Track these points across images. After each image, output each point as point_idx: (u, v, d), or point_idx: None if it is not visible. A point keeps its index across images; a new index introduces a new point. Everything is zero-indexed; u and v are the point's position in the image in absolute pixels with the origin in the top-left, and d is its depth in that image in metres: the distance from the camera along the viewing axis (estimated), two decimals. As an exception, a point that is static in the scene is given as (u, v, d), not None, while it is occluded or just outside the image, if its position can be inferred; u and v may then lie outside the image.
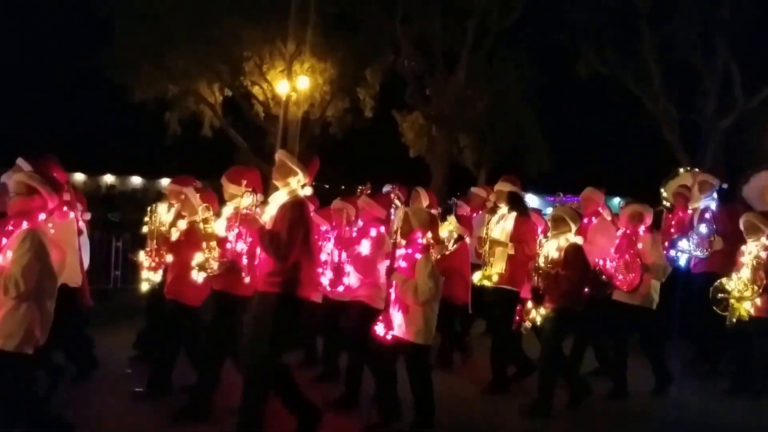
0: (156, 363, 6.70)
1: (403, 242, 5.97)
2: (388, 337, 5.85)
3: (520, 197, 7.73)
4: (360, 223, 6.91)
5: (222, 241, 5.77)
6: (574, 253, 6.59)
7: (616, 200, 13.16)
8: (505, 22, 20.23)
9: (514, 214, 7.47)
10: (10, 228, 4.69)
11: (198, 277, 5.91)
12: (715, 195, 8.51)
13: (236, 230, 5.48)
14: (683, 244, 7.96)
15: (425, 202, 7.99)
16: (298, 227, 5.22)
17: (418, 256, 5.83)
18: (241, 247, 5.46)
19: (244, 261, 5.48)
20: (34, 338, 4.63)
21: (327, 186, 21.48)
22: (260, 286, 5.38)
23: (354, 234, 6.88)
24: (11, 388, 4.66)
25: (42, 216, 4.84)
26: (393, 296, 5.93)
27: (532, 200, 13.34)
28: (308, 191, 5.53)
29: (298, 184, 5.42)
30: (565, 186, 10.16)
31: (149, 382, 6.61)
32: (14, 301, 4.54)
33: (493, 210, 8.35)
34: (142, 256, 6.96)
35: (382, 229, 6.80)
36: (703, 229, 8.18)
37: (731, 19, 16.61)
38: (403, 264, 5.91)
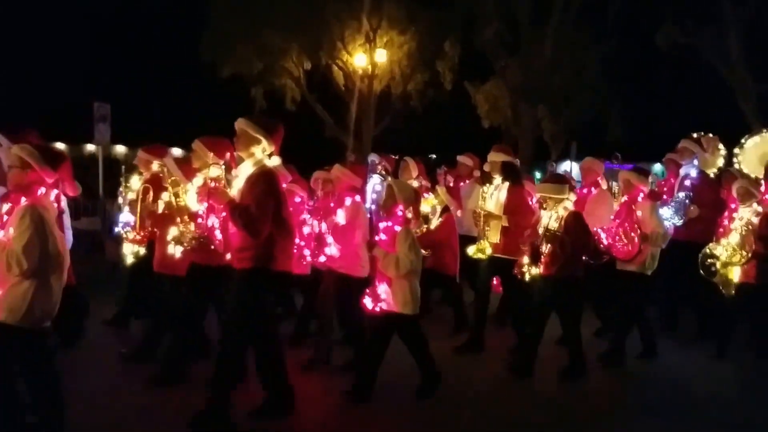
0: (148, 332, 6.82)
1: (384, 215, 6.01)
2: (377, 309, 5.92)
3: (513, 167, 7.71)
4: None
5: (194, 215, 5.70)
6: (574, 221, 6.63)
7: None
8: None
9: (507, 184, 7.51)
10: (10, 204, 4.63)
11: (175, 251, 5.84)
12: (696, 162, 8.40)
13: (206, 204, 5.35)
14: (664, 211, 7.86)
15: (414, 173, 8.14)
16: (267, 199, 5.04)
17: (398, 228, 5.85)
18: (213, 221, 5.33)
19: (218, 236, 5.35)
20: (36, 314, 4.56)
21: (433, 156, 21.50)
22: (233, 261, 5.24)
23: (332, 204, 6.84)
24: (13, 361, 4.62)
25: (42, 190, 4.71)
26: (375, 270, 6.00)
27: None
28: (276, 161, 5.29)
29: (263, 154, 5.21)
30: (642, 156, 10.02)
31: (138, 346, 6.76)
32: (18, 277, 4.48)
33: (482, 180, 8.47)
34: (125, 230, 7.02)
35: (358, 198, 6.78)
36: (680, 195, 8.13)
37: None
38: (383, 237, 5.93)
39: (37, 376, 4.69)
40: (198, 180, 5.80)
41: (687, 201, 8.08)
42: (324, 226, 6.72)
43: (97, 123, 14.10)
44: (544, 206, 6.85)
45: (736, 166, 9.01)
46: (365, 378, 5.99)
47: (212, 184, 5.16)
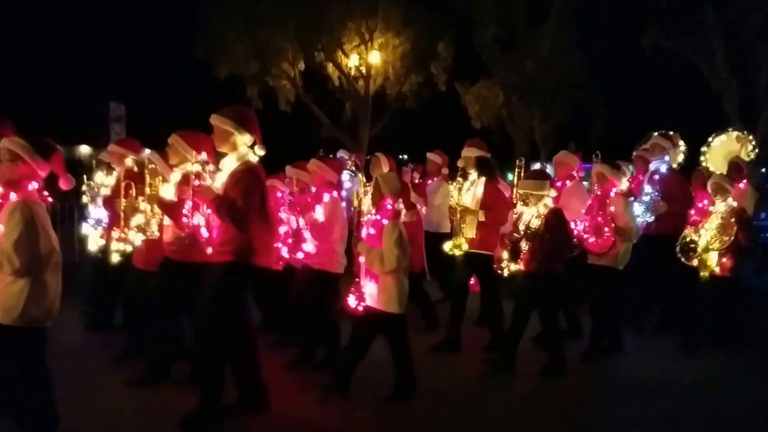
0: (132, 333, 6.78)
1: (373, 210, 5.97)
2: (360, 308, 5.87)
3: (488, 162, 7.67)
4: (313, 189, 6.81)
5: (168, 206, 5.61)
6: (555, 218, 6.68)
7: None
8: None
9: (483, 179, 7.52)
10: (0, 200, 4.51)
11: (135, 238, 5.88)
12: (667, 158, 8.54)
13: (190, 203, 5.23)
14: (635, 208, 7.87)
15: (385, 168, 8.08)
16: (253, 194, 5.08)
17: (386, 222, 5.80)
18: (198, 219, 5.25)
19: (204, 234, 5.27)
20: (32, 314, 4.45)
21: (405, 156, 22.07)
22: (213, 255, 5.24)
23: (309, 200, 6.78)
24: (10, 362, 4.52)
25: (33, 185, 4.56)
26: (363, 267, 5.90)
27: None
28: (261, 151, 5.27)
29: (246, 146, 5.22)
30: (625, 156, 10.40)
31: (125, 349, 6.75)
32: (11, 276, 4.37)
33: (449, 177, 8.48)
34: (91, 231, 7.09)
35: (335, 193, 6.75)
36: (648, 190, 8.24)
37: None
38: (372, 231, 5.85)
39: (29, 376, 4.56)
40: (176, 175, 5.80)
41: (656, 196, 8.17)
42: (302, 221, 6.64)
43: (112, 123, 14.24)
44: (526, 203, 6.87)
45: (703, 163, 9.28)
46: (344, 373, 5.98)
47: (196, 182, 5.10)
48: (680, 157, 9.03)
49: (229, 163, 5.25)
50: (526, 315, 6.91)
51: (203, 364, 5.31)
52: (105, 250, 6.96)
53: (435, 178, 9.21)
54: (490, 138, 19.55)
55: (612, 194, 7.28)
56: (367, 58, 22.19)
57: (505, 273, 7.05)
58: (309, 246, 6.60)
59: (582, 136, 18.49)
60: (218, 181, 5.27)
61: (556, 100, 20.95)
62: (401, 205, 6.07)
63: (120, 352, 6.83)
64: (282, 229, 6.60)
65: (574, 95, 20.62)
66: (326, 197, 6.62)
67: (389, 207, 5.85)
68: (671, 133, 9.15)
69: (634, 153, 9.05)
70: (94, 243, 7.31)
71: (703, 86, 18.15)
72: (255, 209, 5.10)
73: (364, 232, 5.96)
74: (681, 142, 9.10)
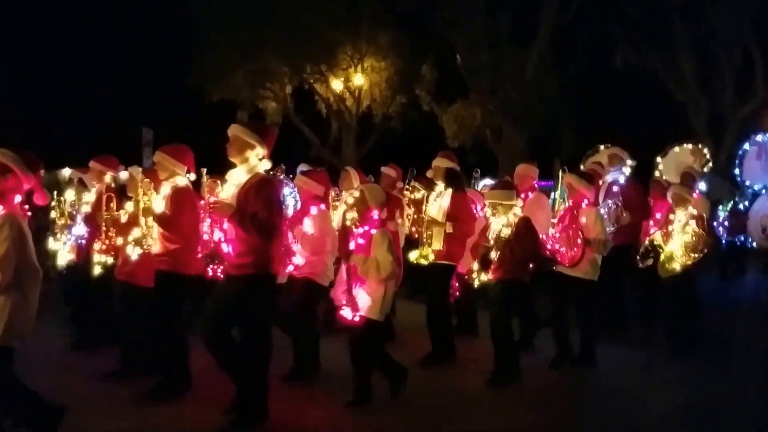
0: (124, 345, 6.62)
1: (358, 222, 5.94)
2: (356, 319, 5.77)
3: (456, 174, 7.60)
4: (298, 203, 6.69)
5: (162, 219, 5.67)
6: (524, 227, 6.65)
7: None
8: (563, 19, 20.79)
9: (450, 190, 7.42)
10: None
11: (133, 253, 5.91)
12: (624, 169, 8.72)
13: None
14: None
15: (355, 183, 7.99)
16: (275, 203, 5.16)
17: (374, 231, 5.80)
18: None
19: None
20: (15, 330, 4.33)
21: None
22: (230, 269, 5.25)
23: (296, 213, 6.89)
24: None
25: (17, 198, 4.48)
26: (351, 278, 5.84)
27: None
28: (267, 164, 5.30)
29: (257, 159, 5.21)
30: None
31: (122, 362, 6.59)
32: None
33: (402, 191, 8.45)
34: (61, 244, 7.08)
35: (323, 206, 6.75)
36: (608, 202, 8.31)
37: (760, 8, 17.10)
38: (361, 241, 5.82)
39: (11, 391, 4.48)
40: (165, 189, 5.87)
41: (616, 207, 8.22)
42: (290, 235, 6.61)
43: (144, 148, 14.80)
44: (494, 213, 6.81)
45: (656, 174, 9.67)
46: (363, 385, 5.95)
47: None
48: (626, 169, 9.05)
49: (239, 175, 5.23)
50: (508, 324, 6.82)
51: (243, 382, 5.27)
52: (86, 264, 6.88)
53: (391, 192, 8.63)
54: (467, 157, 20.22)
55: (583, 205, 7.23)
56: (353, 81, 23.07)
57: (476, 283, 7.04)
58: (298, 259, 6.60)
59: (554, 151, 19.22)
60: (225, 193, 5.33)
61: (530, 117, 21.41)
62: (385, 215, 6.08)
63: (111, 368, 6.64)
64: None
65: (547, 111, 21.05)
66: (314, 210, 6.63)
67: (376, 217, 5.86)
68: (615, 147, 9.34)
69: (582, 166, 9.20)
70: (63, 258, 7.28)
71: (671, 100, 18.91)
72: (279, 218, 5.19)
73: (352, 245, 5.90)
74: (626, 154, 9.19)
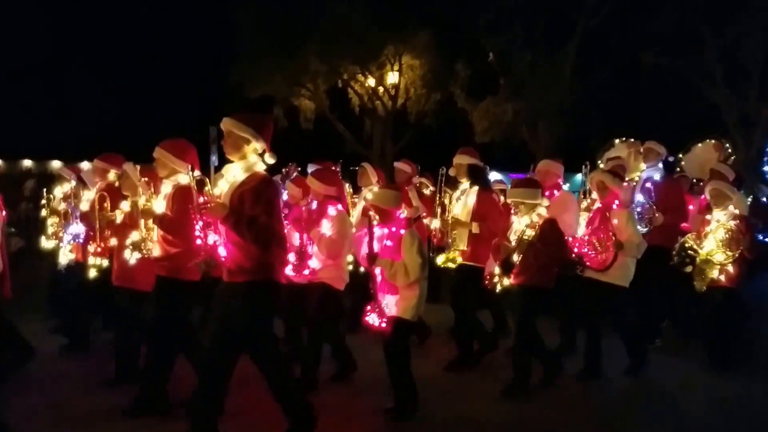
0: (119, 351, 6.27)
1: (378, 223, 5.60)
2: (383, 325, 5.43)
3: (481, 170, 7.17)
4: (314, 204, 6.37)
5: (162, 220, 5.27)
6: (549, 228, 6.16)
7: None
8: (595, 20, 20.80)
9: (476, 188, 6.99)
10: None
11: (131, 257, 5.56)
12: (660, 165, 8.06)
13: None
14: None
15: (373, 179, 7.72)
16: (276, 209, 4.67)
17: (403, 232, 5.47)
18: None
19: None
20: None
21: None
22: (227, 275, 4.71)
23: (311, 214, 6.39)
24: None
25: None
26: (379, 282, 5.50)
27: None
28: (271, 159, 4.78)
29: (255, 155, 4.76)
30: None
31: (116, 370, 6.22)
32: None
33: (418, 187, 8.13)
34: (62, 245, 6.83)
35: (340, 206, 6.33)
36: (640, 199, 7.62)
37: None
38: (388, 243, 5.47)
39: None
40: (166, 187, 5.46)
41: (649, 207, 7.66)
42: (305, 237, 6.25)
43: (211, 145, 15.59)
44: (516, 212, 6.36)
45: (678, 170, 9.10)
46: (406, 393, 5.62)
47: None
48: (642, 166, 8.45)
49: (235, 172, 4.75)
50: (533, 329, 6.44)
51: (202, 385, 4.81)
52: (81, 266, 6.65)
53: (405, 188, 8.34)
54: (493, 152, 20.31)
55: (614, 206, 6.67)
56: (386, 80, 23.52)
57: (498, 288, 6.43)
58: (314, 262, 6.20)
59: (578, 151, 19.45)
60: (219, 189, 4.84)
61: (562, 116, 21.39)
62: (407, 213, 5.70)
63: (105, 375, 6.37)
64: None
65: (580, 110, 21.00)
66: (332, 210, 6.21)
67: (401, 216, 5.55)
68: (632, 140, 8.88)
69: (600, 163, 8.54)
70: (64, 257, 7.06)
71: (702, 100, 18.72)
72: (280, 224, 4.74)
73: (377, 247, 5.50)
74: (641, 149, 8.62)
